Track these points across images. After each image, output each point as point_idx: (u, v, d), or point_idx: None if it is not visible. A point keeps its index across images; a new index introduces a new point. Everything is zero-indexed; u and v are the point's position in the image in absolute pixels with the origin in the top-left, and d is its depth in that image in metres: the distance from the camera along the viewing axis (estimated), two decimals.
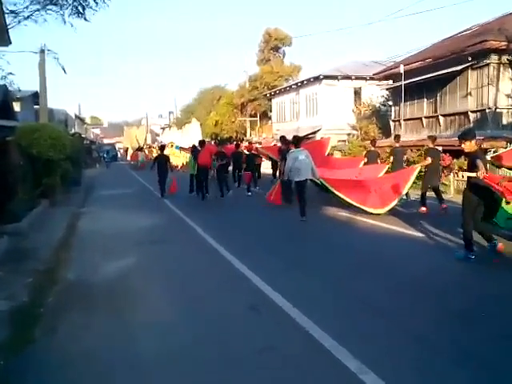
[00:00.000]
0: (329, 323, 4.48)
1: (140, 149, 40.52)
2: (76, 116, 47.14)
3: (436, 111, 21.33)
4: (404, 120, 23.01)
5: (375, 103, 29.76)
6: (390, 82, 25.13)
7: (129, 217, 11.88)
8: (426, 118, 21.94)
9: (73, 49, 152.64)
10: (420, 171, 11.28)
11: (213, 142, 44.86)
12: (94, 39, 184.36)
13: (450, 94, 20.43)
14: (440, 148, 15.47)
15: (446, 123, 20.70)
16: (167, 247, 8.32)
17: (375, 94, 29.30)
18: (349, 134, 29.50)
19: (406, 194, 11.93)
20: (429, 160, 10.92)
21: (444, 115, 20.73)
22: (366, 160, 14.45)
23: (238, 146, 18.10)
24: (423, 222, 9.73)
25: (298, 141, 11.32)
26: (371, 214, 10.73)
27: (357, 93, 32.37)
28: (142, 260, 7.41)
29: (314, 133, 32.04)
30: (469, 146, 6.61)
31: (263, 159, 20.12)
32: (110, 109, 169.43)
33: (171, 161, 17.29)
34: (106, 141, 76.97)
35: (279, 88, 39.97)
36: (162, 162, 15.94)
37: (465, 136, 6.67)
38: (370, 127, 27.14)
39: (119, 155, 58.99)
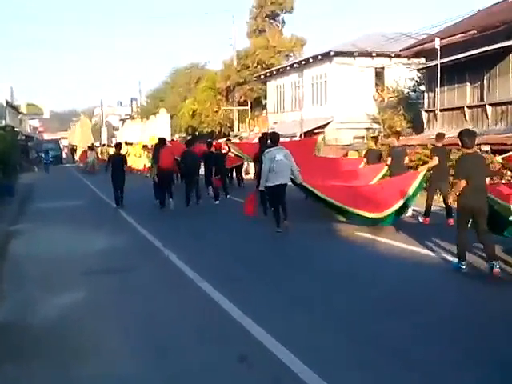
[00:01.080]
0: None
1: (91, 147, 40.57)
2: (7, 103, 47.06)
3: (482, 99, 21.48)
4: (440, 110, 23.19)
5: (402, 88, 30.04)
6: (422, 60, 25.38)
7: (77, 237, 11.88)
8: (469, 107, 22.08)
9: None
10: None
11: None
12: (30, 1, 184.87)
13: (500, 77, 20.58)
14: (487, 147, 15.55)
15: (496, 115, 20.83)
16: (127, 278, 8.32)
17: (402, 76, 29.62)
18: (368, 129, 29.68)
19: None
20: (435, 160, 11.91)
21: (493, 104, 20.87)
22: (365, 161, 15.49)
23: (209, 144, 18.89)
24: (428, 236, 10.46)
25: (275, 138, 12.26)
26: (367, 219, 11.64)
27: (379, 74, 32.67)
28: (94, 295, 7.40)
29: (323, 127, 32.27)
30: None
31: (244, 160, 20.76)
32: (53, 95, 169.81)
33: (130, 163, 18.09)
34: (47, 136, 76.94)
35: (277, 68, 40.30)
36: (118, 163, 16.86)
37: None
38: (395, 119, 27.36)
39: (64, 155, 58.94)
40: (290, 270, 8.49)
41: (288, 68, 37.77)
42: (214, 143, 20.27)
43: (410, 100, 29.13)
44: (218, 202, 16.96)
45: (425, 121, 24.76)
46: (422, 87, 27.02)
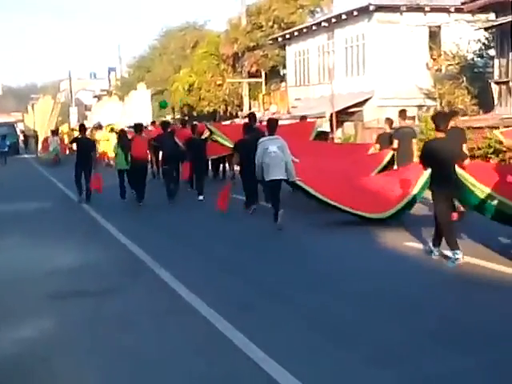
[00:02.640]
0: None
1: (54, 132, 40.65)
2: None
3: None
4: None
5: (465, 53, 29.85)
6: (492, 16, 25.21)
7: (41, 250, 11.93)
8: None
9: None
10: None
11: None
12: None
13: None
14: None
15: None
16: (105, 303, 8.34)
17: (465, 37, 29.44)
18: (421, 107, 29.56)
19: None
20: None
21: None
22: (377, 147, 16.03)
23: (194, 128, 19.92)
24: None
25: (272, 125, 13.90)
26: (369, 220, 12.78)
27: (434, 35, 32.51)
28: (63, 326, 7.39)
29: (360, 104, 32.16)
30: None
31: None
32: (6, 65, 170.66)
33: (100, 148, 19.79)
34: None
35: (299, 27, 40.24)
36: (84, 147, 18.43)
37: None
38: (456, 94, 27.23)
39: (21, 143, 59.31)
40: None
41: (314, 28, 37.70)
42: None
43: (475, 68, 28.99)
44: (202, 197, 18.21)
45: (495, 95, 24.61)
46: (492, 52, 26.85)
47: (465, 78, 27.95)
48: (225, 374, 5.80)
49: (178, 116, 55.12)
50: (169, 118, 51.49)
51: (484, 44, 28.60)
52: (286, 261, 10.58)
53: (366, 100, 32.12)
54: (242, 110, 47.42)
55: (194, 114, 50.81)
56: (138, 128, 18.62)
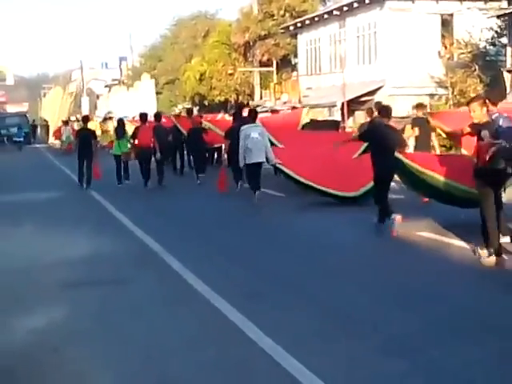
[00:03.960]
0: None
1: (66, 122, 40.99)
2: None
3: None
4: None
5: (478, 41, 29.67)
6: (504, 4, 25.06)
7: (53, 239, 11.98)
8: None
9: None
10: None
11: (196, 111, 45.45)
12: None
13: None
14: None
15: None
16: (119, 292, 8.34)
17: (477, 25, 29.25)
18: (433, 95, 29.43)
19: None
20: (416, 132, 14.61)
21: None
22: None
23: (189, 113, 22.53)
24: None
25: (252, 115, 16.10)
26: (342, 199, 14.18)
27: (446, 23, 32.37)
28: (76, 316, 7.39)
29: (372, 93, 32.03)
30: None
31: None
32: (19, 55, 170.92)
33: (100, 138, 21.85)
34: (10, 108, 77.48)
35: (311, 16, 40.14)
36: (85, 138, 20.05)
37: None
38: (468, 82, 27.11)
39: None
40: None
41: (325, 16, 37.62)
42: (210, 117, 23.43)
43: (487, 57, 28.81)
44: (199, 180, 20.13)
45: (508, 84, 24.51)
46: (504, 40, 26.71)
47: (477, 67, 27.82)
48: (236, 363, 5.78)
49: (189, 105, 55.12)
50: (180, 107, 51.51)
51: (496, 32, 28.44)
52: (296, 249, 10.69)
53: (378, 89, 32.06)
54: (253, 100, 47.38)
55: (206, 103, 50.73)
56: (143, 117, 20.11)
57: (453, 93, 27.36)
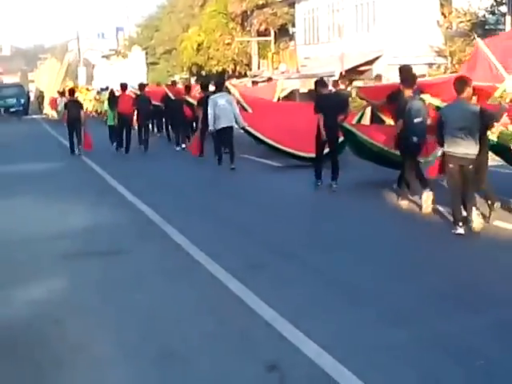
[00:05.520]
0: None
1: (62, 93, 40.94)
2: None
3: None
4: None
5: (477, 10, 29.45)
6: None
7: (49, 210, 12.04)
8: None
9: None
10: None
11: (193, 82, 45.26)
12: None
13: None
14: None
15: None
16: (120, 262, 8.38)
17: None
18: (431, 65, 29.27)
19: None
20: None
21: None
22: None
23: (173, 84, 24.02)
24: None
25: (220, 83, 18.37)
26: (308, 160, 14.83)
27: None
28: (77, 287, 7.43)
29: (370, 63, 31.86)
30: None
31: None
32: (16, 27, 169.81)
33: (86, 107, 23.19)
34: (7, 79, 77.26)
35: None
36: (73, 109, 21.42)
37: None
38: (468, 51, 26.86)
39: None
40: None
41: None
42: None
43: (486, 26, 28.60)
44: (178, 148, 21.89)
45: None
46: (504, 8, 26.53)
47: (476, 36, 27.60)
48: (237, 333, 5.82)
49: (186, 75, 54.86)
50: (177, 77, 51.22)
51: (495, 0, 28.19)
52: (293, 218, 10.86)
53: (376, 58, 31.84)
54: (250, 70, 47.15)
55: (203, 73, 50.49)
56: (123, 87, 22.04)
57: (452, 62, 27.23)
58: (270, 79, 33.95)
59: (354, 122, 14.54)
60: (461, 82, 9.05)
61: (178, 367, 5.24)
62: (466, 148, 8.84)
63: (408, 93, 10.89)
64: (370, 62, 31.84)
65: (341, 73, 20.56)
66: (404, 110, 10.61)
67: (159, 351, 5.49)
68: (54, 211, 11.92)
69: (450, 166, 9.07)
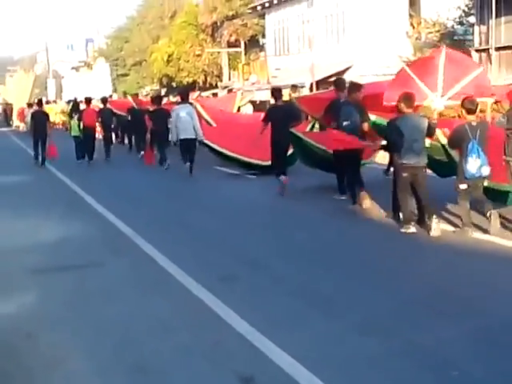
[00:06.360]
0: None
1: (30, 104, 40.86)
2: None
3: None
4: (496, 49, 23.06)
5: (445, 20, 29.78)
6: None
7: (18, 223, 11.92)
8: None
9: None
10: None
11: (163, 93, 45.00)
12: None
13: None
14: None
15: None
16: (91, 276, 8.33)
17: (445, 4, 29.31)
18: None
19: None
20: None
21: None
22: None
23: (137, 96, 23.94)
24: None
25: (183, 94, 18.69)
26: (262, 168, 15.85)
27: (414, 3, 32.44)
28: (48, 301, 7.39)
29: (340, 73, 31.96)
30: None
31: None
32: None
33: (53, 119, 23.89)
34: None
35: None
36: (40, 119, 21.79)
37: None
38: None
39: None
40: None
41: None
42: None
43: (455, 36, 28.92)
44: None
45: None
46: (472, 19, 26.81)
47: (445, 46, 27.86)
48: (210, 345, 5.80)
49: (156, 87, 54.75)
50: (148, 89, 51.18)
51: (464, 11, 28.53)
52: (260, 227, 11.12)
53: (346, 69, 31.96)
54: (221, 81, 47.12)
55: (174, 84, 50.41)
56: (87, 101, 22.96)
57: None
58: (230, 90, 35.28)
59: (307, 130, 14.88)
60: (409, 98, 9.70)
61: (152, 380, 5.22)
62: (419, 157, 9.54)
63: (341, 96, 12.21)
64: (341, 73, 31.88)
65: (292, 85, 20.39)
66: (338, 114, 11.71)
67: (133, 365, 5.47)
68: (22, 224, 11.78)
69: (404, 175, 9.62)
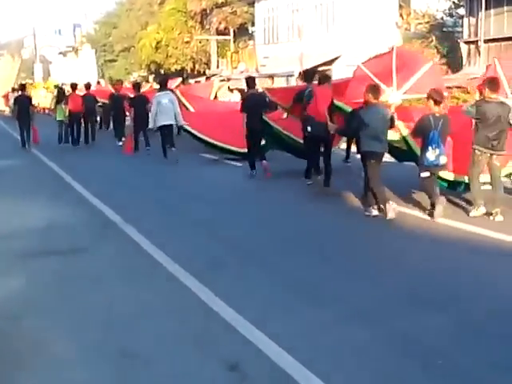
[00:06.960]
0: None
1: (15, 89, 40.57)
2: None
3: None
4: (485, 42, 23.11)
5: (435, 12, 29.82)
6: None
7: (6, 207, 11.89)
8: None
9: None
10: None
11: (151, 80, 44.83)
12: None
13: None
14: None
15: None
16: (78, 262, 8.29)
17: None
18: None
19: None
20: None
21: None
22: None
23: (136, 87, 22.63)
24: None
25: (163, 82, 19.56)
26: (240, 154, 16.23)
27: None
28: (35, 286, 7.38)
29: (329, 63, 32.00)
30: None
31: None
32: None
33: (36, 102, 23.93)
34: None
35: None
36: (23, 104, 22.14)
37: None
38: (426, 53, 27.17)
39: None
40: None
41: None
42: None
43: (444, 28, 28.99)
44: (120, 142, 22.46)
45: (464, 55, 24.70)
46: (461, 11, 26.86)
47: (434, 37, 27.98)
48: (197, 334, 5.80)
49: (144, 73, 54.57)
50: (136, 75, 50.97)
51: (454, 3, 28.63)
52: (246, 214, 11.29)
53: (334, 59, 32.00)
54: (209, 68, 47.09)
55: (162, 71, 50.27)
56: (73, 87, 23.18)
57: None
58: (208, 78, 36.18)
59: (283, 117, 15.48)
60: (376, 90, 10.20)
61: (138, 367, 5.21)
62: (383, 145, 10.18)
63: (309, 87, 12.93)
64: (329, 63, 31.99)
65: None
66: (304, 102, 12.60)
67: (118, 351, 5.47)
68: (9, 209, 11.74)
69: (373, 161, 10.17)
